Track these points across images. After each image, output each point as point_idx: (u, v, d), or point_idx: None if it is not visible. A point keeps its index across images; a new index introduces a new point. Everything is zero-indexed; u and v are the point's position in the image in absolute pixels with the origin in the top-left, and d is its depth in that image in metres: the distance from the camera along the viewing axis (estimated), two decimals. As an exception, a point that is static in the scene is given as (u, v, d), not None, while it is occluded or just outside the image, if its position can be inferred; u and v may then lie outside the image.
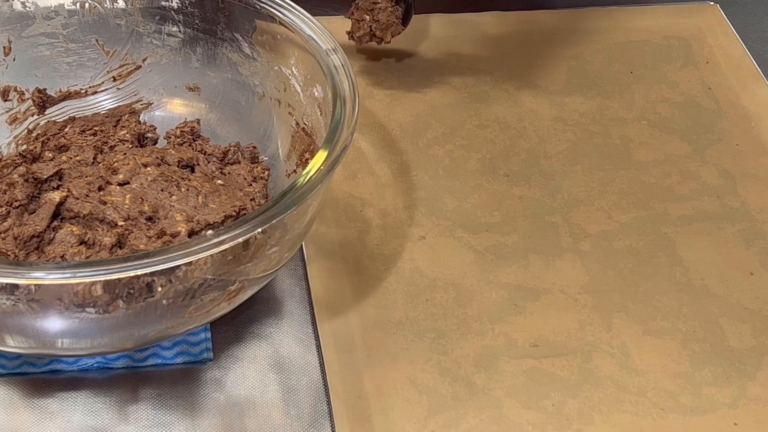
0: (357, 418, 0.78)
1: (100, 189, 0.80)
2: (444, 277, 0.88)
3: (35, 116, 0.91)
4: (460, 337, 0.83)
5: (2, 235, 0.77)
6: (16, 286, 0.67)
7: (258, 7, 0.86)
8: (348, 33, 1.01)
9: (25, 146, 0.88)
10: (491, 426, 0.78)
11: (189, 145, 0.88)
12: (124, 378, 0.79)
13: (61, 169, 0.82)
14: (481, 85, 1.04)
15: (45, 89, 0.91)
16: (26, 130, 0.90)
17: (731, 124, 1.03)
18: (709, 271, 0.89)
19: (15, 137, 0.90)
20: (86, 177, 0.81)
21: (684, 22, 1.13)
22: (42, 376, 0.79)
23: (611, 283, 0.88)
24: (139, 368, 0.80)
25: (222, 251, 0.68)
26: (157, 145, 0.90)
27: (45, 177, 0.81)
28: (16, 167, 0.83)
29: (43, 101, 0.91)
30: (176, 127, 0.89)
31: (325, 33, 0.83)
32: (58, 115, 0.91)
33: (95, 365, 0.79)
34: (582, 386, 0.81)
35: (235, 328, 0.83)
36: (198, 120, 0.90)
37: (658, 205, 0.94)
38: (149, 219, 0.79)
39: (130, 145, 0.87)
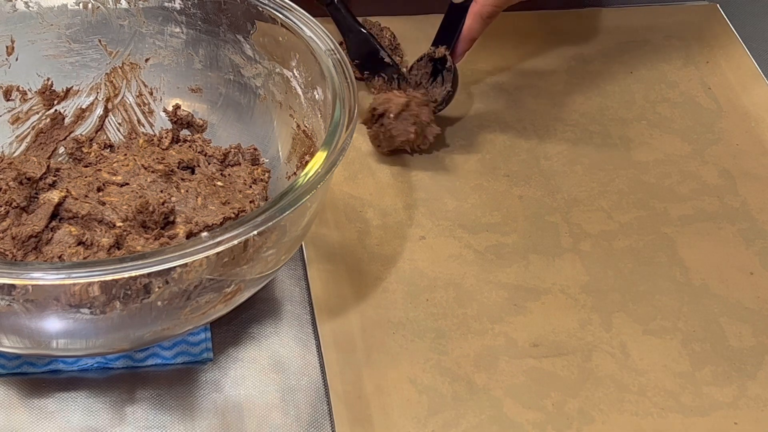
0: (357, 418, 0.78)
1: (99, 190, 0.80)
2: (444, 277, 0.88)
3: (40, 114, 0.91)
4: (460, 337, 0.84)
5: (0, 234, 0.78)
6: (13, 286, 0.67)
7: (260, 8, 0.86)
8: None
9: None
10: (491, 426, 0.78)
11: (189, 146, 0.88)
12: (123, 379, 0.79)
13: (52, 167, 0.82)
14: (482, 86, 1.05)
15: (52, 82, 0.91)
16: (32, 128, 0.91)
17: (731, 124, 1.03)
18: (709, 270, 0.90)
19: (17, 137, 0.91)
20: (86, 177, 0.82)
21: (684, 22, 1.13)
22: (41, 376, 0.79)
23: (611, 283, 0.88)
24: (139, 368, 0.80)
25: (218, 253, 0.68)
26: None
27: (38, 176, 0.81)
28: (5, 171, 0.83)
29: (51, 98, 0.91)
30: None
31: (325, 34, 0.83)
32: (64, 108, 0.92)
33: (95, 365, 0.80)
34: (582, 386, 0.81)
35: (234, 328, 0.83)
36: (204, 120, 0.91)
37: (658, 205, 0.95)
38: (148, 220, 0.79)
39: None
